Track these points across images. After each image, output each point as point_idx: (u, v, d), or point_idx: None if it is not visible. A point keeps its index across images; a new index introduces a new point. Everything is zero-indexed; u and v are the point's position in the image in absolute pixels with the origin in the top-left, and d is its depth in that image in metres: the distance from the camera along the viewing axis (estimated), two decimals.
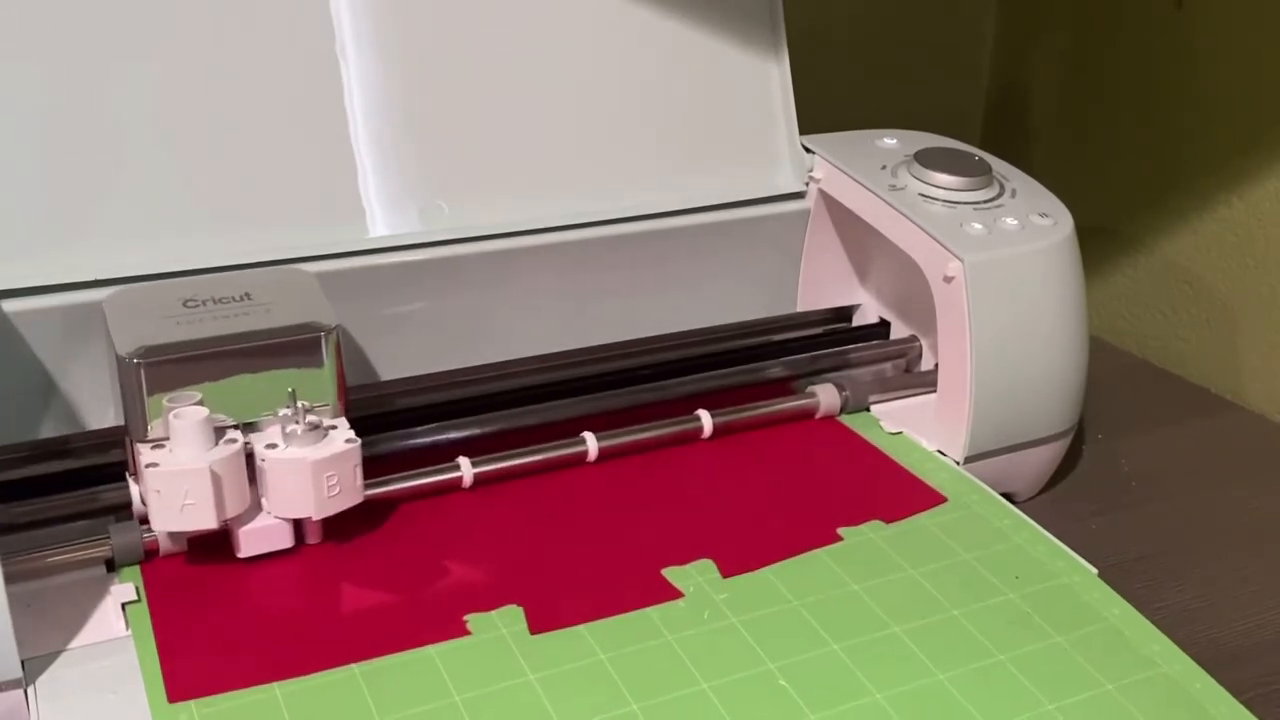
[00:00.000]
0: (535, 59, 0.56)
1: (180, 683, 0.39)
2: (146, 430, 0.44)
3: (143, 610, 0.43)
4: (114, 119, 0.49)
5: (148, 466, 0.42)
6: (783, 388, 0.58)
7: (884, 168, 0.59)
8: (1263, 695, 0.45)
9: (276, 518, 0.45)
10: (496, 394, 0.55)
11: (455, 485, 0.50)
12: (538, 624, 0.42)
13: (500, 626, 0.42)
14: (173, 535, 0.45)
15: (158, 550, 0.45)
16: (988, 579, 0.46)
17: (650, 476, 0.52)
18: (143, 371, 0.43)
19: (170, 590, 0.44)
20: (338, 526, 0.47)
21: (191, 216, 0.50)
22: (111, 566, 0.45)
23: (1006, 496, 0.53)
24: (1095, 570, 0.46)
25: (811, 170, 0.61)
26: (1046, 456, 0.57)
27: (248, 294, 0.47)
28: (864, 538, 0.48)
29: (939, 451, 0.54)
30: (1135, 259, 0.78)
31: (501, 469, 0.51)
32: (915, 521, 0.49)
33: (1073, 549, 0.47)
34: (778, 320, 0.62)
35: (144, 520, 0.45)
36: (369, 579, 0.45)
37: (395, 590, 0.45)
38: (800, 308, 0.63)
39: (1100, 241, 0.78)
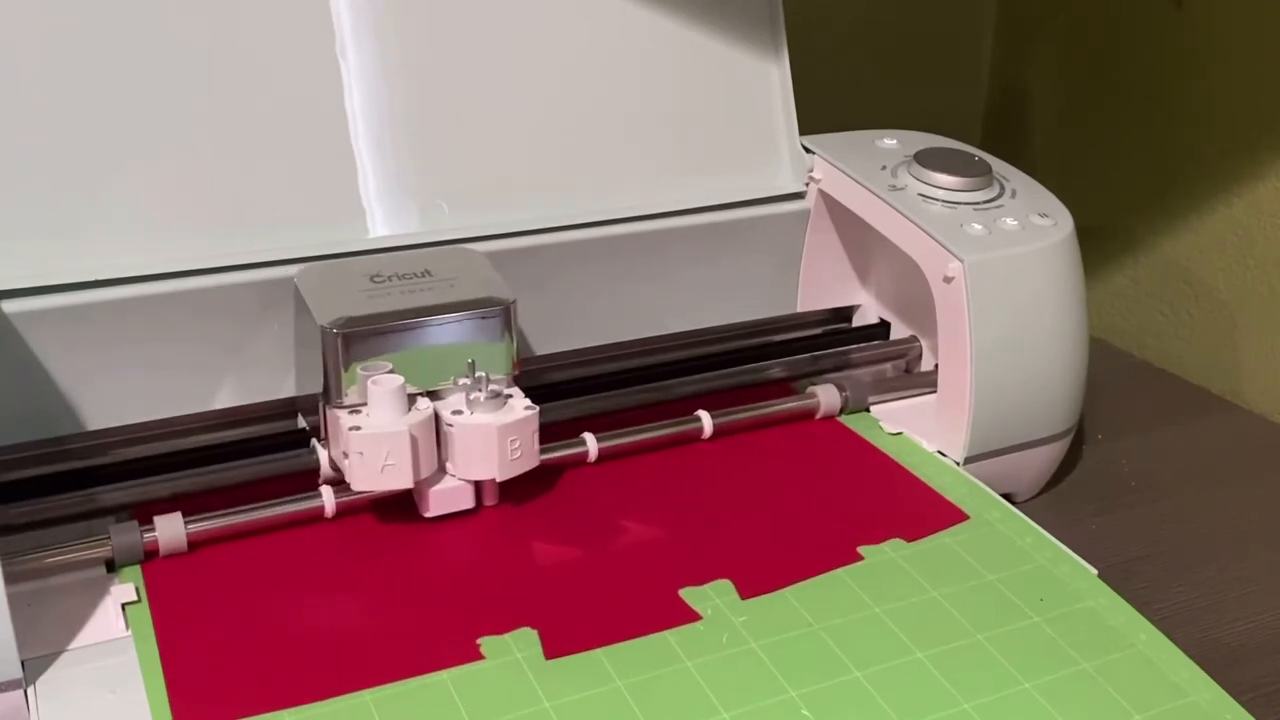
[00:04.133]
0: (535, 59, 0.56)
1: (186, 712, 0.38)
2: (343, 396, 0.46)
3: (143, 611, 0.43)
4: (113, 119, 0.49)
5: (351, 429, 0.45)
6: (783, 388, 0.58)
7: (884, 168, 0.59)
8: (1263, 696, 0.45)
9: (460, 480, 0.47)
10: None
11: None
12: (553, 648, 0.41)
13: (515, 650, 0.41)
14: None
15: (158, 551, 0.45)
16: (1012, 601, 0.44)
17: (652, 479, 0.51)
18: (341, 340, 0.46)
19: (171, 591, 0.44)
20: (339, 530, 0.47)
21: (192, 217, 0.50)
22: (111, 567, 0.45)
23: (1006, 497, 0.53)
24: (1095, 571, 0.46)
25: (811, 170, 0.61)
26: (1046, 457, 0.57)
27: (428, 270, 0.50)
28: (885, 557, 0.47)
29: (939, 452, 0.54)
30: (1135, 259, 0.78)
31: None
32: (937, 540, 0.48)
33: (1073, 549, 0.47)
34: (778, 320, 0.62)
35: (331, 483, 0.48)
36: (377, 594, 0.44)
37: (405, 609, 0.43)
38: (800, 308, 0.63)
39: (1100, 241, 0.78)
